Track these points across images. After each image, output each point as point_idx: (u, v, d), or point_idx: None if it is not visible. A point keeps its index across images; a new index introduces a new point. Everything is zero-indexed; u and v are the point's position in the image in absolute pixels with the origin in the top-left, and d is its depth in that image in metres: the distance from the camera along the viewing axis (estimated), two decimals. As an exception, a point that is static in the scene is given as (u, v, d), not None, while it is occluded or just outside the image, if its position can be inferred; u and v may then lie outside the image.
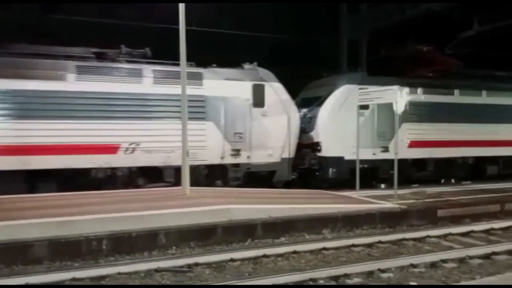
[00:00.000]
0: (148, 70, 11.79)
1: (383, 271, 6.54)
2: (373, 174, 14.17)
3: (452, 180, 15.05)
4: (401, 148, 13.07)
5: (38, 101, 10.61)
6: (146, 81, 11.69)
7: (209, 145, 12.23)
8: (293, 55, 20.17)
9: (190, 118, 10.67)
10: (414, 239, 8.52)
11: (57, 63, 10.94)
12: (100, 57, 11.84)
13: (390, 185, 13.02)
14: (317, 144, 13.60)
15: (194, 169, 11.39)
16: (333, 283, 6.17)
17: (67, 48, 11.51)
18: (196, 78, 12.16)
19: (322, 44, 21.53)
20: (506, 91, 16.65)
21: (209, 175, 12.46)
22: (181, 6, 10.15)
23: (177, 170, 11.11)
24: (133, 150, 11.36)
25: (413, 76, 15.43)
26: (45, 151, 10.55)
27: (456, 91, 15.66)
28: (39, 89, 10.60)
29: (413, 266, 6.78)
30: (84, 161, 10.91)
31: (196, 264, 6.74)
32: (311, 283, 6.10)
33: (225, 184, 12.60)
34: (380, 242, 8.28)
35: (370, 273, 6.48)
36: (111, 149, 11.20)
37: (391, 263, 6.88)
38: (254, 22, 18.50)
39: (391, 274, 6.47)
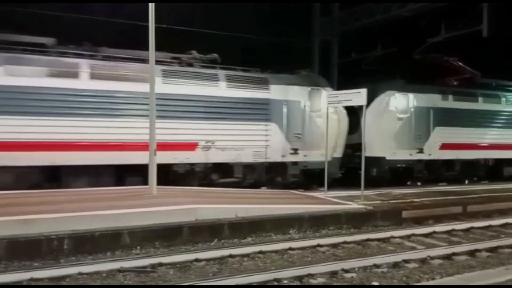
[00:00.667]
0: (222, 74, 12.82)
1: (346, 271, 6.61)
2: (409, 173, 15.54)
3: (466, 181, 15.89)
4: (433, 149, 15.21)
5: (132, 101, 11.52)
6: (221, 85, 12.71)
7: (272, 144, 13.31)
8: (266, 56, 20.24)
9: (256, 120, 12.73)
10: (379, 240, 8.65)
11: (145, 67, 11.28)
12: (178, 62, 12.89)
13: (423, 183, 15.19)
14: (360, 144, 13.77)
15: (258, 166, 13.02)
16: (297, 283, 6.20)
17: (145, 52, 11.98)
18: (263, 83, 13.33)
19: (296, 45, 21.65)
20: None
21: (271, 172, 13.58)
22: (151, 6, 10.02)
23: (245, 166, 12.64)
24: (209, 147, 12.37)
25: (442, 84, 16.75)
26: (136, 147, 11.33)
27: (480, 99, 17.08)
28: (133, 90, 11.48)
29: (376, 266, 6.88)
30: (168, 157, 11.76)
31: (160, 264, 6.66)
32: (275, 283, 6.11)
33: (284, 180, 13.82)
34: (345, 242, 8.37)
35: (333, 273, 6.54)
36: (191, 146, 12.21)
37: (355, 263, 6.97)
38: (226, 21, 18.48)
39: (354, 274, 6.54)
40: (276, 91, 13.45)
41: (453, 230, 9.62)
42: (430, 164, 15.17)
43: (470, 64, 18.80)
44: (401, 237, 8.89)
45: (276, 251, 7.67)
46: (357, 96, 11.28)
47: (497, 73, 19.94)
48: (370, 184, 13.35)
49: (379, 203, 11.02)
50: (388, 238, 8.78)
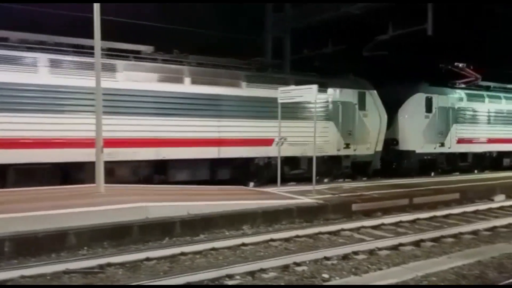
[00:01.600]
0: (292, 79, 14.49)
1: (298, 264, 6.69)
2: (432, 164, 18.08)
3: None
4: (452, 143, 18.01)
5: (224, 103, 13.24)
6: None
7: (331, 140, 15.30)
8: (219, 51, 20.15)
9: (319, 119, 14.08)
10: (329, 233, 8.80)
11: (233, 73, 13.69)
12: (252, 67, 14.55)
13: (441, 173, 17.81)
14: (394, 139, 16.80)
15: (319, 159, 14.09)
16: (249, 278, 6.20)
17: (230, 60, 14.21)
18: (323, 86, 14.52)
19: (249, 40, 21.65)
20: None
21: (328, 164, 15.32)
22: (96, 7, 9.74)
23: (310, 159, 13.60)
24: (282, 143, 13.67)
25: (457, 86, 19.39)
26: (230, 143, 13.32)
27: (486, 100, 19.74)
28: (224, 93, 13.23)
29: (327, 258, 7.00)
30: (251, 151, 13.74)
31: (109, 265, 6.48)
32: (227, 279, 6.09)
33: (338, 171, 15.85)
34: (297, 236, 8.46)
35: (285, 267, 6.59)
36: (269, 142, 13.99)
37: (306, 256, 7.06)
38: (180, 16, 18.23)
39: (305, 267, 6.62)
40: (333, 93, 15.38)
41: (400, 221, 9.94)
42: (449, 156, 18.18)
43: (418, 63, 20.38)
44: (351, 230, 9.10)
45: (229, 247, 7.65)
46: (308, 92, 11.42)
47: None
48: (400, 175, 16.31)
49: (331, 197, 11.23)
50: (339, 231, 8.95)
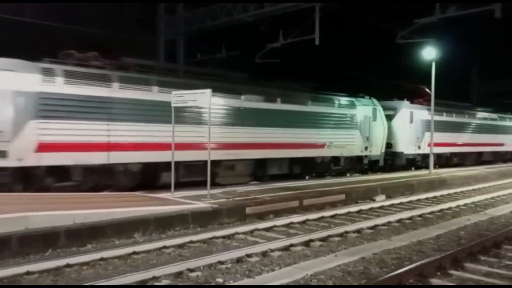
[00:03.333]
0: (336, 99, 19.15)
1: (192, 270, 6.59)
2: (413, 163, 23.53)
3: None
4: (425, 147, 23.02)
5: (296, 116, 17.10)
6: (335, 105, 18.97)
7: (357, 144, 19.75)
8: (107, 51, 19.25)
9: (350, 128, 19.32)
10: (224, 237, 8.83)
11: (303, 94, 17.96)
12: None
13: (425, 167, 22.56)
14: (389, 143, 21.90)
15: (351, 158, 19.68)
16: (140, 288, 5.97)
17: (289, 83, 18.17)
18: (351, 104, 19.75)
19: (141, 41, 21.01)
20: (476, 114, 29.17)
21: (354, 162, 20.07)
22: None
23: (345, 158, 19.34)
24: (330, 146, 18.37)
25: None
26: (301, 147, 17.28)
27: (444, 114, 25.39)
28: (296, 110, 17.17)
29: (221, 262, 6.99)
30: (314, 153, 17.97)
31: (-19, 282, 5.84)
32: (117, 290, 5.81)
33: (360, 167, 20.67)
34: (191, 242, 8.36)
35: (179, 274, 6.47)
36: (323, 145, 18.20)
37: (200, 261, 6.99)
38: (63, 12, 17.09)
39: (199, 273, 6.55)
40: (358, 109, 19.87)
41: (291, 223, 10.30)
42: (424, 156, 23.40)
43: (307, 71, 22.64)
44: (244, 233, 9.21)
45: (119, 257, 7.31)
46: (203, 96, 11.34)
47: (328, 79, 22.44)
48: (394, 169, 21.97)
49: (225, 201, 11.27)
50: (233, 235, 9.01)
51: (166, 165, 12.78)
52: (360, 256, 7.41)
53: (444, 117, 25.21)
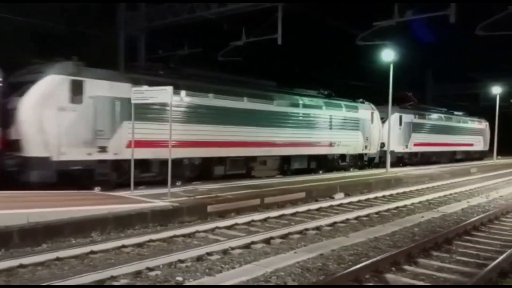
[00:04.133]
0: (343, 104, 22.02)
1: (151, 269, 6.53)
2: (401, 159, 26.58)
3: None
4: (411, 146, 26.91)
5: (314, 118, 19.79)
6: (343, 109, 21.63)
7: (359, 143, 22.56)
8: (65, 45, 18.69)
9: (354, 129, 22.03)
10: (184, 235, 8.78)
11: (318, 100, 20.58)
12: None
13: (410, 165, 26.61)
14: (383, 143, 23.62)
15: (354, 156, 22.60)
16: None
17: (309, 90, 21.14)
18: (355, 108, 22.52)
19: (101, 36, 20.54)
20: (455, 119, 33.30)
21: (357, 159, 22.98)
22: None
23: (350, 155, 22.38)
24: (339, 145, 21.20)
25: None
26: (317, 145, 19.99)
27: (427, 117, 29.14)
28: (314, 113, 19.91)
29: (181, 261, 6.96)
30: (327, 151, 20.66)
31: None
32: (73, 290, 5.68)
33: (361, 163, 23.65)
34: (151, 240, 8.28)
35: (138, 273, 6.39)
36: (333, 145, 20.92)
37: (159, 260, 6.93)
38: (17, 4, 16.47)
39: (159, 272, 6.50)
40: (360, 113, 22.67)
41: (253, 220, 10.36)
42: (411, 154, 27.39)
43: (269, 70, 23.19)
44: (205, 231, 9.19)
45: (76, 256, 7.15)
46: (164, 93, 11.24)
47: (291, 79, 22.74)
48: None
49: (186, 199, 11.21)
50: (194, 233, 8.98)
51: (217, 160, 15.84)
52: (319, 252, 7.54)
53: (425, 120, 28.63)
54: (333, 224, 10.20)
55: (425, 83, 50.04)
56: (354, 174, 20.10)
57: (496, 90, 33.92)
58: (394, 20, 17.17)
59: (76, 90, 12.25)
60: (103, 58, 17.55)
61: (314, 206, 12.52)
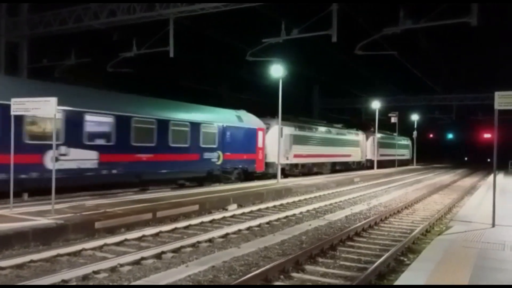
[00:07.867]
0: (346, 131, 37.72)
1: (31, 292, 6.14)
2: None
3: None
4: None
5: (343, 141, 36.07)
6: (354, 134, 38.91)
7: (359, 155, 39.02)
8: None
9: (356, 146, 38.55)
10: (69, 254, 8.36)
11: (342, 129, 37.40)
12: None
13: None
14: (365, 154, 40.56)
15: (357, 163, 39.09)
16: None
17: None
18: (358, 133, 39.06)
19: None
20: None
21: (355, 165, 38.49)
22: None
23: (354, 162, 38.93)
24: (352, 156, 38.15)
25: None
26: (339, 156, 35.44)
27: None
28: (343, 138, 36.33)
29: (65, 281, 6.63)
30: (349, 159, 37.38)
31: None
32: None
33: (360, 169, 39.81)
34: (32, 261, 7.77)
35: (16, 297, 5.97)
36: (350, 155, 37.89)
37: (40, 281, 6.56)
38: None
39: (40, 294, 6.13)
40: (360, 136, 39.09)
41: (144, 235, 10.14)
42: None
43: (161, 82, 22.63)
44: (92, 249, 8.83)
45: None
46: (47, 104, 10.64)
47: (183, 92, 22.66)
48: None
49: (72, 216, 10.64)
50: (80, 251, 8.58)
51: (321, 164, 32.05)
52: (210, 265, 7.64)
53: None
54: (225, 236, 10.36)
55: (312, 97, 53.63)
56: (246, 185, 20.53)
57: (376, 105, 39.62)
58: (281, 38, 18.02)
59: (281, 132, 24.26)
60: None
61: (207, 218, 12.61)
